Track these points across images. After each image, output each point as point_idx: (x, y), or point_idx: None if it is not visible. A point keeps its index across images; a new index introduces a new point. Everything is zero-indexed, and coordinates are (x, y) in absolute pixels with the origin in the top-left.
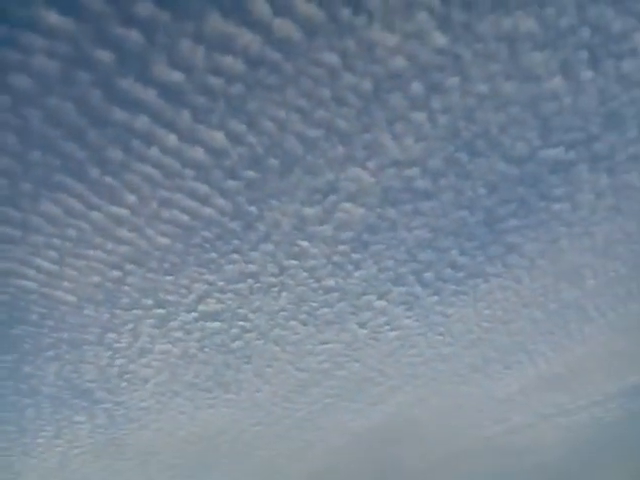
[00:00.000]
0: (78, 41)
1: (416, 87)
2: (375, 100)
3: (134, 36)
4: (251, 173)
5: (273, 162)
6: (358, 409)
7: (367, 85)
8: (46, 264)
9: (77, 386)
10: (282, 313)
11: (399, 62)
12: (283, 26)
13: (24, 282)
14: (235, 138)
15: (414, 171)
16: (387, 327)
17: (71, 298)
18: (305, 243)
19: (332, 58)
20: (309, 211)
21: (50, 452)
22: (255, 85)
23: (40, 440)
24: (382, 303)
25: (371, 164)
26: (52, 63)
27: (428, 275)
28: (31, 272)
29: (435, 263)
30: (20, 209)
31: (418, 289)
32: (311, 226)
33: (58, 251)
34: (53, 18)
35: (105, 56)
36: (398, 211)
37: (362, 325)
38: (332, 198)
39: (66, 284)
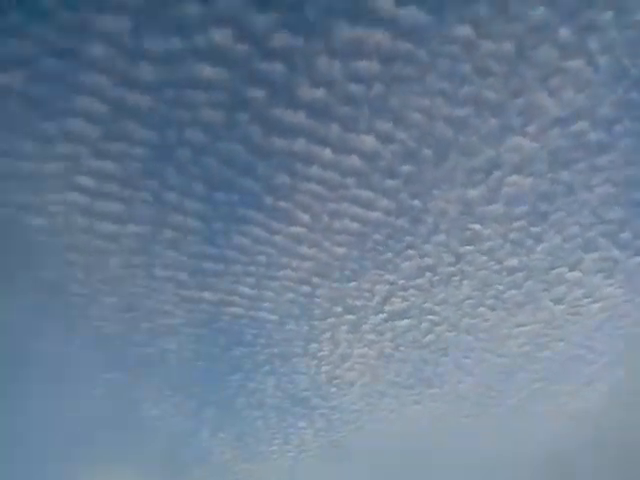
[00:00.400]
0: (232, 86)
1: (564, 33)
2: (521, 60)
3: (277, 67)
4: (407, 168)
5: (426, 152)
6: (571, 391)
7: (508, 47)
8: (247, 290)
9: (294, 395)
10: (468, 301)
11: (539, 13)
12: (408, 14)
13: (233, 309)
14: (385, 138)
15: (582, 125)
16: (587, 299)
17: (273, 317)
18: (477, 226)
19: (465, 30)
20: (473, 193)
21: (283, 457)
22: (393, 81)
23: (274, 448)
24: (576, 274)
25: (531, 129)
26: (215, 112)
27: (624, 235)
28: (236, 299)
29: (629, 220)
30: (217, 246)
31: (615, 252)
32: (479, 207)
33: (254, 277)
34: (207, 71)
35: (257, 93)
36: (572, 172)
37: (558, 301)
38: (496, 174)
39: (267, 304)
